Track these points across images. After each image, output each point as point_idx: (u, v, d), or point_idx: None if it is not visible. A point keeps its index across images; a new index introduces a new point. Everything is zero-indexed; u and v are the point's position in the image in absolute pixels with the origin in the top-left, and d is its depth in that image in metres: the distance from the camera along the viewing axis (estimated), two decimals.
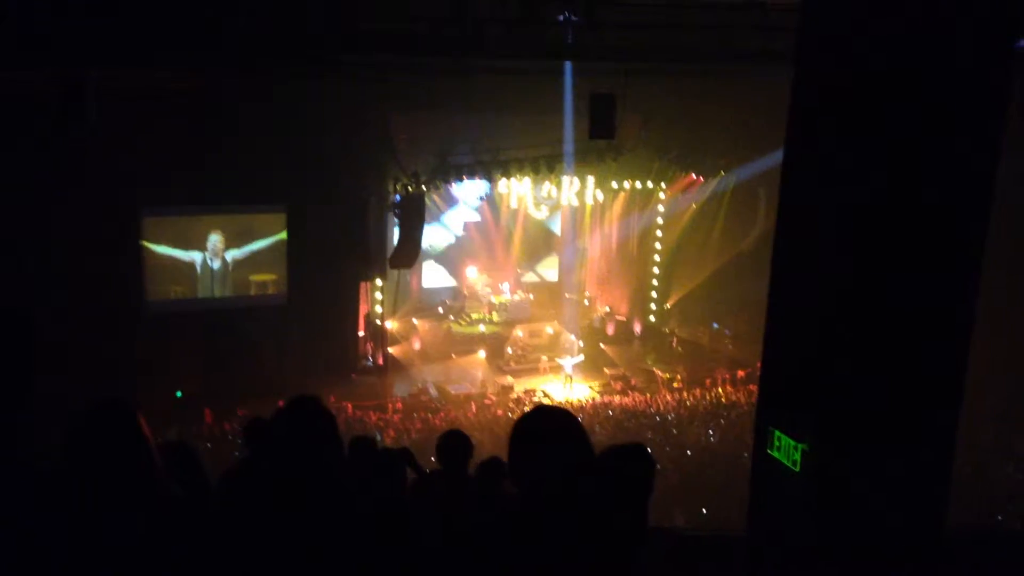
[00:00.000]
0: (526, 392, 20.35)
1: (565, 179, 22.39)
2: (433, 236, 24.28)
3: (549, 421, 2.61)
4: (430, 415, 18.40)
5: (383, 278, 20.95)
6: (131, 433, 2.40)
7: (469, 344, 23.19)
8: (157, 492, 2.41)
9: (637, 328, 24.67)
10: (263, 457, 4.33)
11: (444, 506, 4.36)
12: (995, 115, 3.91)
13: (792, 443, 4.20)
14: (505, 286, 25.14)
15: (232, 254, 18.94)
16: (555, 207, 24.66)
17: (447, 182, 20.77)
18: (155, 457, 2.45)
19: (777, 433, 4.35)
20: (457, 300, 25.29)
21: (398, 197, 19.74)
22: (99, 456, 2.34)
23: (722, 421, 17.84)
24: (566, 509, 2.43)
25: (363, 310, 21.00)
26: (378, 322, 21.09)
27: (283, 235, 18.96)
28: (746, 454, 13.44)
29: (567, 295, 25.22)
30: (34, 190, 15.08)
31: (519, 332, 23.23)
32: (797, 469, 4.17)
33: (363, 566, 2.54)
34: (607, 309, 25.11)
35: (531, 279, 26.42)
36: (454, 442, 5.03)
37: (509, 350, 22.63)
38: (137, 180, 16.18)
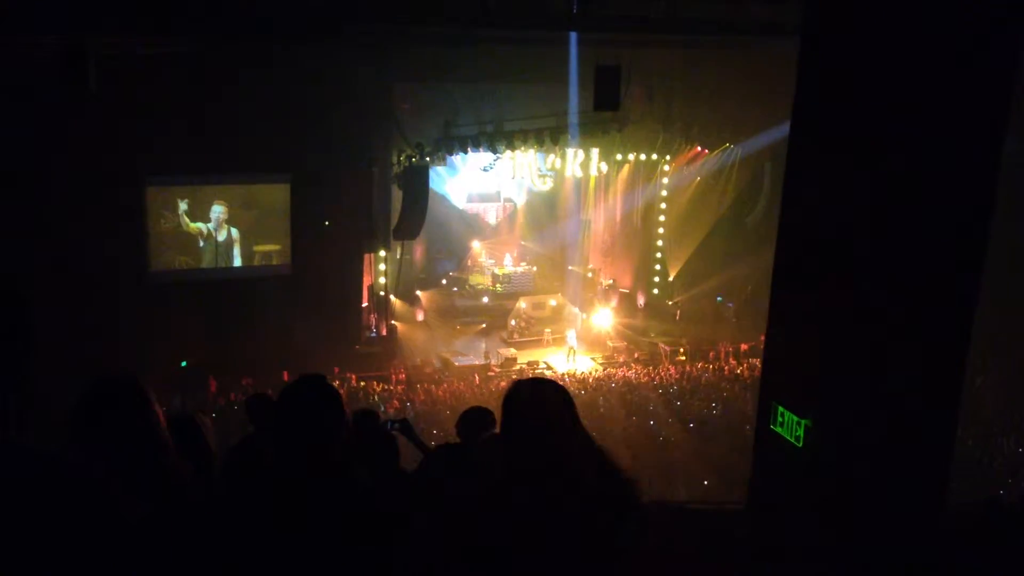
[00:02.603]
0: (529, 364, 20.39)
1: (569, 151, 22.26)
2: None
3: (526, 395, 2.60)
4: (433, 386, 18.46)
5: (387, 249, 20.93)
6: (141, 407, 2.39)
7: (473, 316, 23.20)
8: (167, 466, 2.41)
9: (640, 300, 24.65)
10: (267, 434, 4.35)
11: (450, 477, 4.36)
12: (1004, 84, 3.86)
13: (795, 419, 4.20)
14: (508, 258, 25.15)
15: (235, 230, 18.97)
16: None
17: (451, 153, 20.68)
18: (164, 432, 2.45)
19: (780, 409, 4.34)
20: (461, 271, 25.27)
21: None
22: (108, 430, 2.33)
23: (725, 394, 17.87)
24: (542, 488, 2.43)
25: (367, 281, 20.99)
26: (382, 293, 21.09)
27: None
28: (749, 427, 13.49)
29: (571, 267, 25.18)
30: (35, 159, 15.03)
31: (523, 304, 23.23)
32: (800, 445, 4.17)
33: (367, 547, 2.54)
34: (611, 281, 25.08)
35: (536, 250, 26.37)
36: (474, 417, 5.04)
37: (513, 322, 22.65)
38: (141, 149, 16.08)
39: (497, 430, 5.05)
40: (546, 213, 25.64)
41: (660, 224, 24.71)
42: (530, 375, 19.49)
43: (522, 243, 25.99)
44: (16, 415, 1.80)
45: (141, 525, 1.80)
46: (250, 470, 2.94)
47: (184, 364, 17.79)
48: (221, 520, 2.48)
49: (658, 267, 24.94)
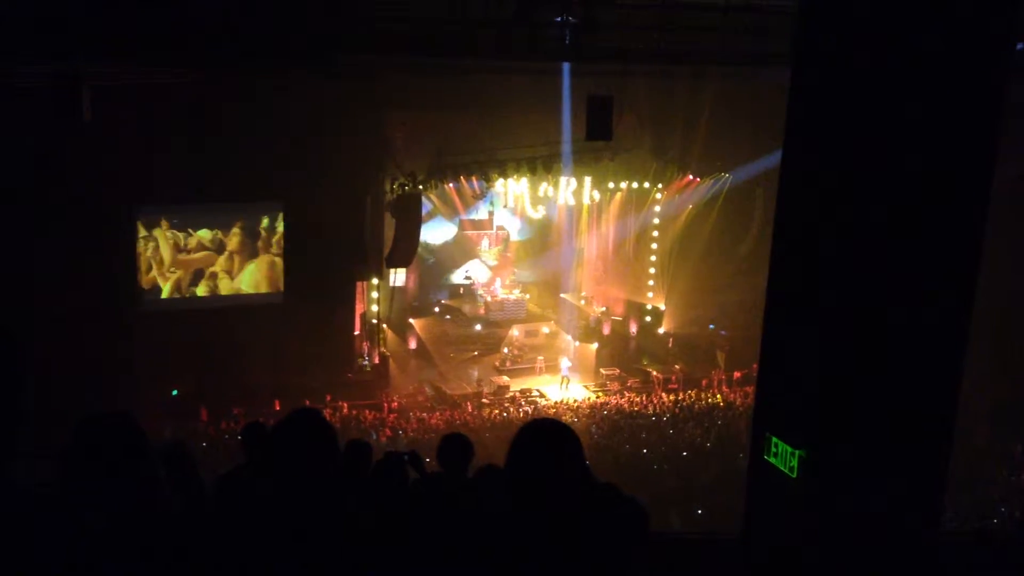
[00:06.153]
0: (522, 392, 20.33)
1: (562, 179, 22.35)
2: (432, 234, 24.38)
3: (545, 436, 2.59)
4: (426, 414, 18.38)
5: (379, 277, 20.91)
6: (132, 444, 2.36)
7: (465, 343, 23.16)
8: (158, 505, 2.38)
9: (633, 328, 24.65)
10: (260, 465, 4.31)
11: (442, 509, 4.32)
12: (993, 117, 3.90)
13: (789, 449, 4.19)
14: (497, 284, 25.19)
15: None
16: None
17: (444, 181, 20.75)
18: (156, 468, 2.42)
19: (774, 439, 4.33)
20: (454, 299, 25.28)
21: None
22: (99, 467, 2.29)
23: (718, 422, 17.82)
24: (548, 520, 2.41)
25: (359, 309, 20.96)
26: (374, 321, 21.05)
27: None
28: (742, 455, 13.45)
29: (563, 295, 25.20)
30: (29, 187, 15.01)
31: (515, 332, 23.22)
32: (794, 476, 4.15)
33: None
34: (603, 309, 25.09)
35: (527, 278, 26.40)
36: (455, 445, 5.00)
37: (505, 350, 22.61)
38: (133, 177, 16.11)
39: (482, 460, 5.04)
40: (539, 241, 25.77)
41: (652, 252, 24.77)
42: (523, 403, 19.45)
43: (515, 270, 26.04)
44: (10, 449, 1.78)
45: (133, 560, 1.78)
46: (242, 503, 2.91)
47: (175, 393, 17.70)
48: (212, 553, 2.45)
49: (651, 295, 24.97)
